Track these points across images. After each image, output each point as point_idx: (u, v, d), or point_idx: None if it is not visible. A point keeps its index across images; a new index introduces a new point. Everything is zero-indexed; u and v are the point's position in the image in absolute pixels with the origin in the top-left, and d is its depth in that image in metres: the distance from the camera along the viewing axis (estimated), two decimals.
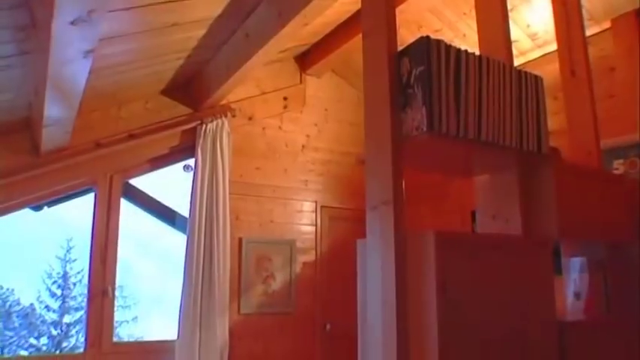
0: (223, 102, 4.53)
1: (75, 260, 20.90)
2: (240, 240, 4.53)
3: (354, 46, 4.44)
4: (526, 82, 1.96)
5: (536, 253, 1.97)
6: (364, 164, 1.98)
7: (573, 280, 2.41)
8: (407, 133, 1.78)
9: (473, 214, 4.09)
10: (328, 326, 4.84)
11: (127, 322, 20.30)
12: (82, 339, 18.03)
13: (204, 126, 4.35)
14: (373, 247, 1.87)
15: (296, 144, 4.99)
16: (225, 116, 4.45)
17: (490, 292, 1.83)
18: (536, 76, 2.01)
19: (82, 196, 4.30)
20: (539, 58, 4.09)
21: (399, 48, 1.85)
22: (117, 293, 4.23)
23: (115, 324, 4.22)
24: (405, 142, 1.80)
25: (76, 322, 19.98)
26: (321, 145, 5.12)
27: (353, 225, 4.97)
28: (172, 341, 4.13)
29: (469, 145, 1.82)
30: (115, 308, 4.23)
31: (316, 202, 5.00)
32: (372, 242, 1.88)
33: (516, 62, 3.17)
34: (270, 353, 4.56)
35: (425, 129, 1.69)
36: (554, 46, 3.04)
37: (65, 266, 20.91)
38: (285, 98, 4.97)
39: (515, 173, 2.10)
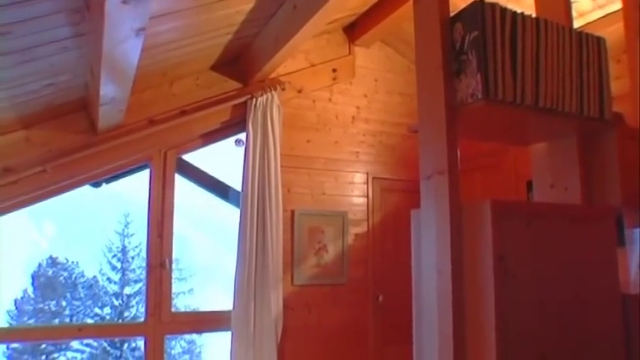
0: (273, 75, 4.53)
1: (132, 235, 21.71)
2: (292, 212, 4.58)
3: (404, 14, 4.35)
4: (587, 44, 1.88)
5: (597, 223, 1.91)
6: (417, 134, 1.95)
7: (637, 252, 2.33)
8: (461, 100, 1.74)
9: (528, 183, 3.98)
10: (381, 297, 4.86)
11: (184, 293, 21.01)
12: (142, 309, 18.86)
13: (254, 100, 4.37)
14: (428, 217, 1.86)
15: (346, 116, 4.96)
16: (275, 90, 4.46)
17: (549, 262, 1.79)
18: (598, 38, 1.92)
19: (137, 172, 4.42)
20: (600, 19, 3.89)
21: (452, 13, 1.80)
22: (173, 266, 4.36)
23: (172, 295, 4.36)
24: (460, 110, 1.76)
25: (136, 293, 20.82)
26: (371, 116, 5.08)
27: (405, 196, 4.95)
28: (228, 312, 4.24)
29: (526, 112, 1.76)
30: (172, 280, 4.36)
31: (367, 173, 4.98)
32: (427, 212, 1.86)
33: (576, 24, 3.03)
34: (323, 324, 4.62)
35: (480, 96, 1.64)
36: (616, 6, 2.88)
37: (124, 240, 21.75)
38: (334, 70, 4.93)
39: (575, 140, 2.02)
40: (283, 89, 4.55)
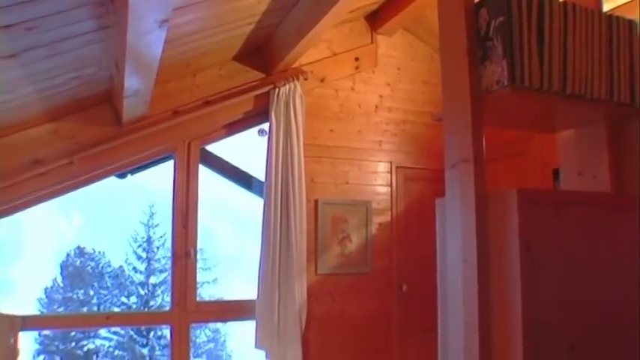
0: (295, 65, 4.52)
1: (157, 225, 22.01)
2: (316, 202, 4.58)
3: (427, 1, 4.30)
4: (617, 28, 1.83)
5: (627, 212, 1.87)
6: (441, 122, 1.93)
7: None
8: (486, 87, 1.71)
9: (555, 172, 3.91)
10: (405, 287, 4.85)
11: (208, 283, 21.25)
12: (167, 298, 19.13)
13: (277, 90, 4.37)
14: (453, 205, 1.84)
15: (369, 105, 4.93)
16: (298, 79, 4.46)
17: (577, 252, 1.76)
18: (629, 21, 1.86)
19: (162, 163, 4.47)
20: (631, 1, 3.79)
21: None
22: (197, 256, 4.40)
23: (197, 285, 4.41)
24: (485, 98, 1.73)
25: (161, 282, 21.13)
26: (394, 105, 5.04)
27: (429, 185, 4.91)
28: (252, 301, 4.28)
29: (554, 98, 1.73)
30: (197, 270, 4.41)
31: (391, 162, 4.95)
32: (452, 201, 1.84)
33: (605, 7, 2.96)
34: (347, 313, 4.63)
35: (506, 83, 1.61)
36: None
37: (149, 231, 22.05)
38: (356, 59, 4.90)
39: (604, 127, 1.98)
40: (306, 79, 4.54)
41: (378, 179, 4.89)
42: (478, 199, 1.73)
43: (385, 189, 4.91)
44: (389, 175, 4.93)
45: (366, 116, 4.90)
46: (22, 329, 3.79)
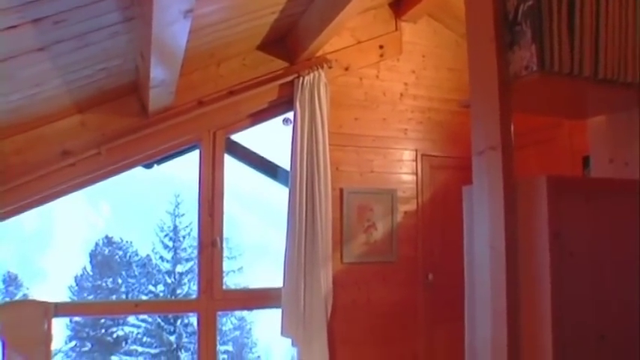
0: (319, 54, 4.50)
1: (183, 215, 22.23)
2: (341, 190, 4.58)
3: None
4: None
5: None
6: (468, 109, 1.91)
7: None
8: (515, 73, 1.68)
9: (584, 159, 3.84)
10: (431, 276, 4.83)
11: (234, 271, 21.43)
12: (193, 287, 19.37)
13: (301, 79, 4.37)
14: (480, 193, 1.82)
15: (394, 92, 4.89)
16: (322, 68, 4.44)
17: (608, 240, 1.73)
18: None
19: (188, 153, 4.50)
20: None
21: None
22: (223, 245, 4.43)
23: (223, 273, 4.44)
24: (513, 84, 1.71)
25: (187, 271, 21.38)
26: (419, 92, 4.99)
27: (455, 173, 4.87)
28: (278, 289, 4.30)
29: (584, 83, 1.69)
30: (223, 259, 4.44)
31: (416, 150, 4.91)
32: (479, 188, 1.82)
33: None
34: (373, 302, 4.63)
35: (535, 68, 1.59)
36: None
37: (175, 220, 22.29)
38: (381, 46, 4.86)
39: (636, 112, 1.93)
40: (330, 67, 4.52)
41: (403, 167, 4.86)
42: (506, 187, 1.71)
43: (411, 177, 4.88)
44: (414, 163, 4.90)
45: (391, 104, 4.87)
46: (55, 315, 3.88)
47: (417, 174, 4.90)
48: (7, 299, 15.03)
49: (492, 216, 1.76)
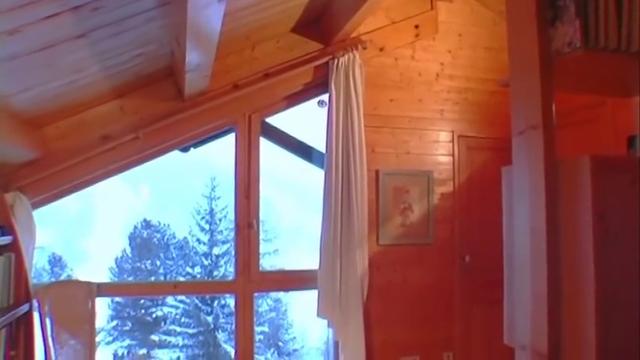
0: (354, 35, 4.46)
1: (219, 198, 22.48)
2: (377, 172, 4.55)
3: None
4: None
5: None
6: (508, 88, 1.87)
7: None
8: (557, 50, 1.63)
9: (629, 139, 3.71)
10: (467, 258, 4.78)
11: (269, 254, 21.63)
12: (230, 269, 19.64)
13: (336, 60, 4.34)
14: (520, 173, 1.78)
15: (430, 73, 4.82)
16: (357, 49, 4.40)
17: None
18: None
19: (223, 136, 4.54)
20: None
21: None
22: (259, 227, 4.46)
23: (259, 255, 4.48)
24: (555, 61, 1.65)
25: (224, 253, 21.68)
26: (456, 72, 4.90)
27: (492, 154, 4.79)
28: (314, 271, 4.33)
29: (632, 59, 1.63)
30: (259, 240, 4.48)
31: (453, 131, 4.84)
32: (519, 169, 1.79)
33: None
34: (409, 283, 4.62)
35: (579, 44, 1.54)
36: None
37: (211, 203, 22.56)
38: (416, 26, 4.78)
39: None
40: (365, 48, 4.48)
41: (439, 149, 4.80)
42: (547, 167, 1.67)
43: (447, 158, 4.82)
44: (451, 144, 4.83)
45: (426, 85, 4.80)
46: (98, 295, 4.00)
47: (453, 155, 4.83)
48: (53, 279, 15.55)
49: (533, 197, 1.73)
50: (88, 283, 3.98)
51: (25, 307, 3.38)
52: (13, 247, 3.41)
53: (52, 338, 3.70)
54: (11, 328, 3.28)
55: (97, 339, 4.01)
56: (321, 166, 4.38)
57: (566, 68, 1.69)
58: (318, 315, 4.29)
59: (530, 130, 1.70)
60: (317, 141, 4.61)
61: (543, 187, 1.67)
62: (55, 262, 21.86)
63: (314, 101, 4.58)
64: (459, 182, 4.82)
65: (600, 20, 1.53)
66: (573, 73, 1.81)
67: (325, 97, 4.43)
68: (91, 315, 3.96)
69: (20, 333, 3.40)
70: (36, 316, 3.59)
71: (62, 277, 19.89)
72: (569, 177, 1.65)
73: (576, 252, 1.63)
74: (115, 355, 19.27)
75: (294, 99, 4.50)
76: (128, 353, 19.67)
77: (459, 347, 4.74)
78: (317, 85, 4.45)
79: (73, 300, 3.90)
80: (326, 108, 4.38)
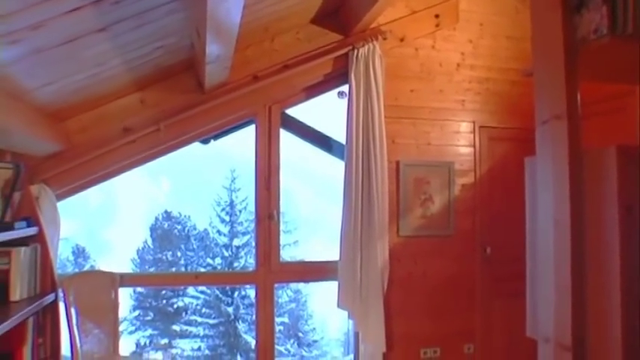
0: (373, 25, 4.43)
1: (239, 189, 22.57)
2: (397, 163, 4.53)
3: None
4: None
5: None
6: (531, 77, 1.84)
7: None
8: (582, 37, 1.60)
9: None
10: (489, 250, 4.75)
11: (289, 245, 21.68)
12: (250, 260, 19.73)
13: (355, 51, 4.31)
14: (544, 164, 1.76)
15: (450, 63, 4.77)
16: (377, 40, 4.37)
17: None
18: None
19: (244, 127, 4.55)
20: None
21: None
22: (280, 218, 4.48)
23: (280, 246, 4.50)
24: (581, 49, 1.62)
25: (244, 245, 21.80)
26: (477, 62, 4.84)
27: (514, 145, 4.73)
28: (334, 262, 4.33)
29: None
30: (280, 232, 4.49)
31: (474, 122, 4.79)
32: (543, 159, 1.76)
33: None
34: (429, 275, 4.61)
35: (605, 31, 1.50)
36: None
37: (231, 195, 22.67)
38: (436, 16, 4.73)
39: None
40: (385, 39, 4.44)
41: (460, 139, 4.76)
42: (572, 157, 1.64)
43: (468, 149, 4.77)
44: (472, 135, 4.78)
45: (447, 75, 4.75)
46: (121, 285, 4.06)
47: (474, 146, 4.79)
48: (77, 270, 15.81)
49: (557, 188, 1.70)
50: (111, 274, 4.04)
51: (50, 297, 3.43)
52: (39, 238, 3.46)
53: (77, 327, 3.76)
54: (38, 316, 3.34)
55: (120, 328, 4.07)
56: (342, 158, 4.37)
57: (591, 56, 1.65)
58: (338, 306, 4.30)
59: (554, 120, 1.68)
60: (337, 132, 4.61)
61: (567, 178, 1.64)
62: (79, 253, 22.20)
63: (334, 92, 4.57)
64: (481, 173, 4.78)
65: (628, 6, 1.50)
66: (599, 62, 1.77)
67: (345, 88, 4.41)
68: (114, 305, 4.02)
69: (47, 322, 3.46)
70: (61, 305, 3.66)
71: (85, 268, 20.20)
72: (594, 168, 1.62)
73: (601, 244, 1.60)
74: (137, 344, 19.56)
75: (314, 90, 4.49)
76: (150, 343, 19.95)
77: (480, 339, 4.72)
78: (337, 77, 4.43)
79: (96, 290, 3.96)
80: (346, 99, 4.37)
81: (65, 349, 3.63)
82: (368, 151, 4.26)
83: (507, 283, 4.62)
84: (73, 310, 3.75)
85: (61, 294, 3.65)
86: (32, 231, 3.39)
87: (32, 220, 3.43)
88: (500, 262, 4.73)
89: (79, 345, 3.75)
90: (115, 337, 3.97)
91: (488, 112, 4.84)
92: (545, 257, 1.79)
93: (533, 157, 1.84)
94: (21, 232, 3.24)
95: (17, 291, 3.20)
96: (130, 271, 19.51)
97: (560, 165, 1.67)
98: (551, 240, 1.74)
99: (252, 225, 4.45)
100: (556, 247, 1.72)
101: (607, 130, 4.17)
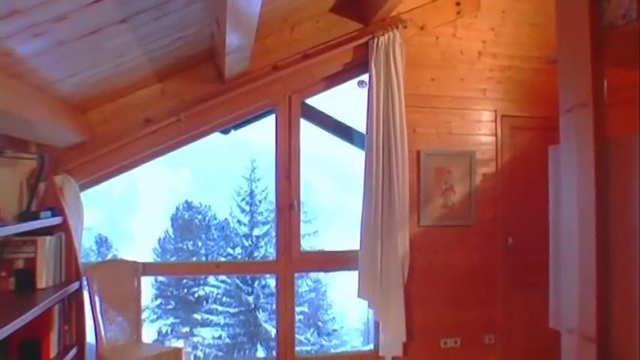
0: (393, 14, 4.39)
1: (259, 179, 22.64)
2: (418, 153, 4.51)
3: None
4: None
5: None
6: (555, 64, 1.81)
7: None
8: (610, 23, 1.57)
9: None
10: (510, 240, 4.70)
11: (309, 235, 21.73)
12: (270, 250, 19.82)
13: (375, 40, 4.28)
14: (568, 153, 1.73)
15: (472, 51, 4.71)
16: (397, 28, 4.33)
17: None
18: None
19: (264, 117, 4.56)
20: None
21: None
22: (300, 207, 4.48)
23: (300, 236, 4.51)
24: (608, 34, 1.59)
25: (264, 235, 21.89)
26: (499, 50, 4.77)
27: (536, 134, 4.67)
28: (354, 251, 4.33)
29: None
30: (300, 221, 4.50)
31: (496, 111, 4.74)
32: (567, 148, 1.73)
33: None
34: (450, 265, 4.59)
35: (635, 16, 1.47)
36: None
37: (251, 185, 22.76)
38: (457, 3, 4.66)
39: None
40: (405, 27, 4.40)
41: (482, 129, 4.71)
42: (597, 146, 1.62)
43: (490, 139, 4.72)
44: (494, 124, 4.73)
45: (468, 63, 4.70)
46: (144, 274, 4.11)
47: (496, 135, 4.73)
48: (100, 259, 16.05)
49: (582, 177, 1.68)
50: (134, 263, 4.09)
51: (75, 285, 3.49)
52: (63, 228, 3.52)
53: (101, 315, 3.82)
54: (64, 304, 3.40)
55: (142, 316, 4.13)
56: (362, 147, 4.36)
57: (619, 42, 1.62)
58: (358, 296, 4.30)
59: (579, 108, 1.65)
60: (357, 122, 4.59)
61: (593, 167, 1.62)
62: (102, 242, 22.52)
63: (354, 82, 4.55)
64: (502, 163, 4.73)
65: None
66: (628, 48, 1.73)
67: (365, 77, 4.39)
68: (137, 293, 4.07)
69: (72, 309, 3.52)
70: (85, 293, 3.71)
71: (108, 257, 20.51)
72: (620, 157, 1.59)
73: (627, 234, 1.58)
74: (159, 332, 19.83)
75: (334, 79, 4.48)
76: (172, 331, 20.20)
77: (501, 330, 4.70)
78: (357, 66, 4.41)
79: (119, 279, 4.01)
80: (366, 88, 4.34)
81: (90, 336, 3.70)
82: (388, 141, 4.24)
83: (529, 274, 4.58)
84: (97, 298, 3.81)
85: (85, 282, 3.71)
86: (57, 220, 3.44)
87: (57, 210, 3.49)
88: (522, 252, 4.69)
89: (103, 332, 3.81)
90: (137, 324, 4.03)
91: (510, 101, 4.78)
92: (569, 247, 1.77)
93: (557, 145, 1.81)
94: (46, 221, 3.29)
95: (43, 279, 3.26)
96: (152, 260, 19.76)
97: (585, 153, 1.64)
98: (576, 230, 1.72)
99: (272, 215, 4.48)
100: (580, 237, 1.70)
101: (634, 118, 4.09)
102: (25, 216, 3.20)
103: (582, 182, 1.67)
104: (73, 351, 3.42)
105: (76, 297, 3.56)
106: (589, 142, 1.63)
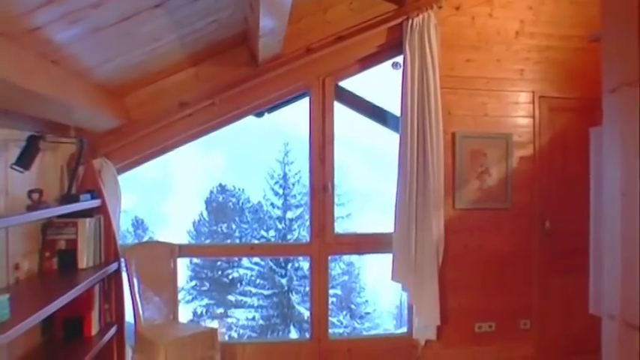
0: None
1: (292, 162, 22.70)
2: (453, 135, 4.45)
3: None
4: None
5: None
6: (599, 42, 1.75)
7: None
8: None
9: None
10: (547, 223, 4.62)
11: (342, 218, 21.76)
12: (303, 232, 19.92)
13: (410, 21, 4.22)
14: (611, 135, 1.68)
15: (509, 31, 4.59)
16: (432, 8, 4.25)
17: None
18: None
19: (297, 100, 4.55)
20: None
21: None
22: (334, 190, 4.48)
23: (334, 218, 4.51)
24: None
25: (297, 217, 22.00)
26: (537, 30, 4.64)
27: (576, 115, 4.55)
28: (389, 234, 4.32)
29: None
30: (334, 204, 4.50)
31: (533, 92, 4.62)
32: (610, 129, 1.69)
33: None
34: (486, 249, 4.53)
35: None
36: None
37: (284, 168, 22.85)
38: None
39: None
40: (440, 7, 4.32)
41: (519, 110, 4.61)
42: None
43: (527, 120, 4.62)
44: (531, 105, 4.62)
45: (505, 44, 4.59)
46: (180, 256, 4.19)
47: (534, 117, 4.63)
48: (136, 241, 16.43)
49: (625, 159, 1.63)
50: (170, 244, 4.17)
51: (114, 266, 3.58)
52: (102, 210, 3.61)
53: (139, 294, 3.92)
54: (103, 284, 3.51)
55: (178, 297, 4.22)
56: (396, 130, 4.32)
57: None
58: (392, 279, 4.30)
59: (624, 87, 1.59)
60: (391, 104, 4.54)
61: (637, 149, 1.57)
62: (138, 225, 22.97)
63: (388, 64, 4.50)
64: (540, 145, 4.63)
65: None
66: None
67: (399, 59, 4.34)
68: (173, 274, 4.15)
69: (111, 289, 3.64)
70: (124, 274, 3.81)
71: (145, 239, 20.96)
72: None
73: None
74: (194, 313, 20.23)
75: (368, 62, 4.44)
76: (206, 312, 20.59)
77: (536, 315, 4.64)
78: (391, 47, 4.36)
79: (156, 260, 4.10)
80: (400, 70, 4.29)
81: (128, 315, 3.80)
82: (423, 123, 4.19)
83: (566, 259, 4.50)
84: (134, 279, 3.91)
85: (123, 263, 3.80)
86: (96, 203, 3.53)
87: (95, 193, 3.57)
88: (560, 236, 4.60)
89: (141, 311, 3.91)
90: (174, 304, 4.11)
91: (548, 82, 4.66)
92: (611, 231, 1.73)
93: (599, 127, 1.76)
94: (85, 204, 3.38)
95: (84, 259, 3.37)
96: (187, 242, 20.10)
97: (630, 135, 1.59)
98: (619, 213, 1.67)
99: (305, 198, 4.50)
100: (623, 221, 1.66)
101: None
102: (66, 199, 3.29)
103: (626, 165, 1.63)
104: (113, 329, 3.54)
105: (115, 277, 3.66)
106: (634, 123, 1.58)
